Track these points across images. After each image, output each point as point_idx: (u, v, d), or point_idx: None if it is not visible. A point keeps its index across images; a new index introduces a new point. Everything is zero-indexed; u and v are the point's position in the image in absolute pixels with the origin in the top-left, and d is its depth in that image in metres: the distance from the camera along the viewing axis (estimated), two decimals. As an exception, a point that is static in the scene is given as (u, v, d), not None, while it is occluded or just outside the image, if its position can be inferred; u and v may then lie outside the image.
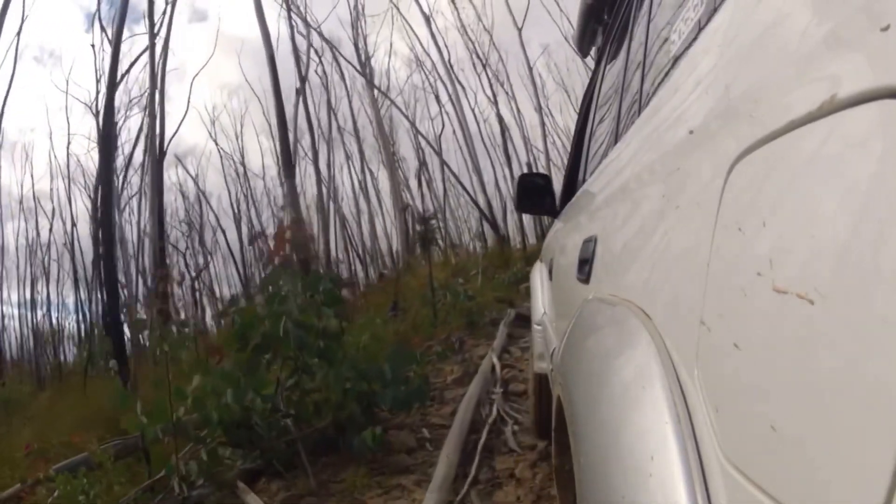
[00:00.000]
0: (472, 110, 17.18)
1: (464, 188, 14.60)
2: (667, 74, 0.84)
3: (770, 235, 0.40)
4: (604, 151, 1.51)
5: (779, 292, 0.36)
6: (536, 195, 2.45)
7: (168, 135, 11.60)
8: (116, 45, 8.45)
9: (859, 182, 0.32)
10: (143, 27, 11.46)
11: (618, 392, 0.64)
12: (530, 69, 15.48)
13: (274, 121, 12.66)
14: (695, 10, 0.75)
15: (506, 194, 16.95)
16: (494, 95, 16.84)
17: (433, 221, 13.24)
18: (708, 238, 0.49)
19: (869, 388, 0.29)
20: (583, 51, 2.50)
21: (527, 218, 15.12)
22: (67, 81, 15.85)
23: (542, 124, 15.44)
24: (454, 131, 15.69)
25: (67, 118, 15.54)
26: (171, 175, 18.57)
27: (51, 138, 17.84)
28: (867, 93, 0.31)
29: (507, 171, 16.33)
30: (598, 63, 2.11)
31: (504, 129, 16.46)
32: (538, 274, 2.78)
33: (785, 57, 0.42)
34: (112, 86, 8.54)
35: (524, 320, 5.83)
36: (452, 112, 15.69)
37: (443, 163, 16.61)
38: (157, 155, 10.87)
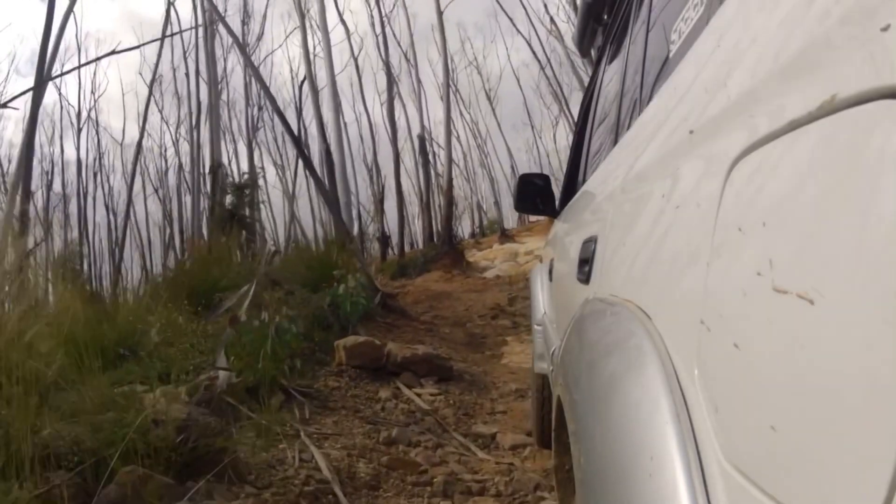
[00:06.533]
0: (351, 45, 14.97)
1: (283, 120, 7.47)
2: (667, 74, 0.84)
3: (770, 235, 0.40)
4: (604, 151, 1.52)
5: (779, 292, 0.36)
6: (536, 195, 2.45)
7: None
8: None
9: (859, 182, 0.32)
10: None
11: (618, 392, 0.64)
12: (440, 13, 12.69)
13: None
14: (695, 9, 0.75)
15: (385, 160, 14.28)
16: (383, 25, 14.48)
17: (248, 191, 9.03)
18: (708, 238, 0.49)
19: (869, 388, 0.29)
20: (583, 51, 2.50)
21: (389, 183, 12.33)
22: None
23: (447, 81, 12.57)
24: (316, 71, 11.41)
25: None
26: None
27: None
28: (867, 93, 0.31)
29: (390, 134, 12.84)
30: (597, 63, 2.11)
31: (390, 71, 14.11)
32: (538, 274, 2.78)
33: (785, 57, 0.42)
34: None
35: None
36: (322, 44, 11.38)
37: (271, 101, 9.25)
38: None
